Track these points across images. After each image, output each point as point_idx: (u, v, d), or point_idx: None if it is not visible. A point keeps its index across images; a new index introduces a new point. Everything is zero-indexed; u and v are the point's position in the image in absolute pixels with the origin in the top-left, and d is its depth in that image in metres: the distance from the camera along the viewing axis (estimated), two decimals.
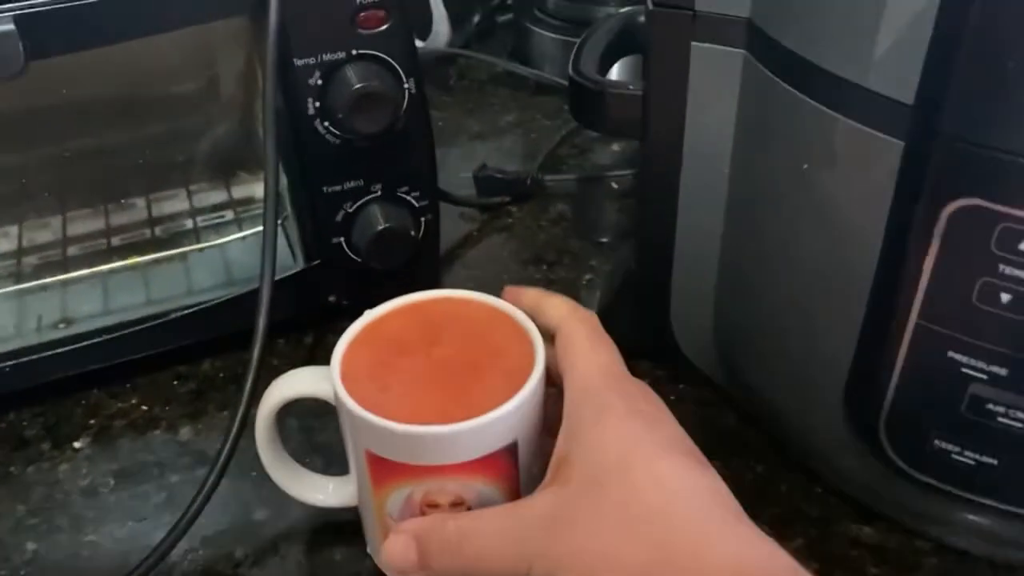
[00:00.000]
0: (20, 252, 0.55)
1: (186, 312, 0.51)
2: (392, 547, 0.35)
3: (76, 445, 0.49)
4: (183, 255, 0.57)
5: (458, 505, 0.36)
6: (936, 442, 0.35)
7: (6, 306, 0.53)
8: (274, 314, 0.44)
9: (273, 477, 0.41)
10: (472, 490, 0.36)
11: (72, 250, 0.56)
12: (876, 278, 0.34)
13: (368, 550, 0.41)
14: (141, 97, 0.54)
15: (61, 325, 0.52)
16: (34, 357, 0.49)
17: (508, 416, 0.34)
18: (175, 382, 0.52)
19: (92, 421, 0.50)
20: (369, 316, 0.39)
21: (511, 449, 0.35)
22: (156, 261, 0.56)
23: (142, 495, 0.46)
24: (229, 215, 0.59)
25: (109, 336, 0.50)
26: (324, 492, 0.41)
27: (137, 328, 0.50)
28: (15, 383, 0.49)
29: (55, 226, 0.56)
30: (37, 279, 0.55)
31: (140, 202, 0.57)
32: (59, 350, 0.49)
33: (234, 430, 0.42)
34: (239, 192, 0.59)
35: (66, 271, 0.55)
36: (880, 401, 0.35)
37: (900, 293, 0.33)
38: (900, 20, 0.30)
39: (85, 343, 0.50)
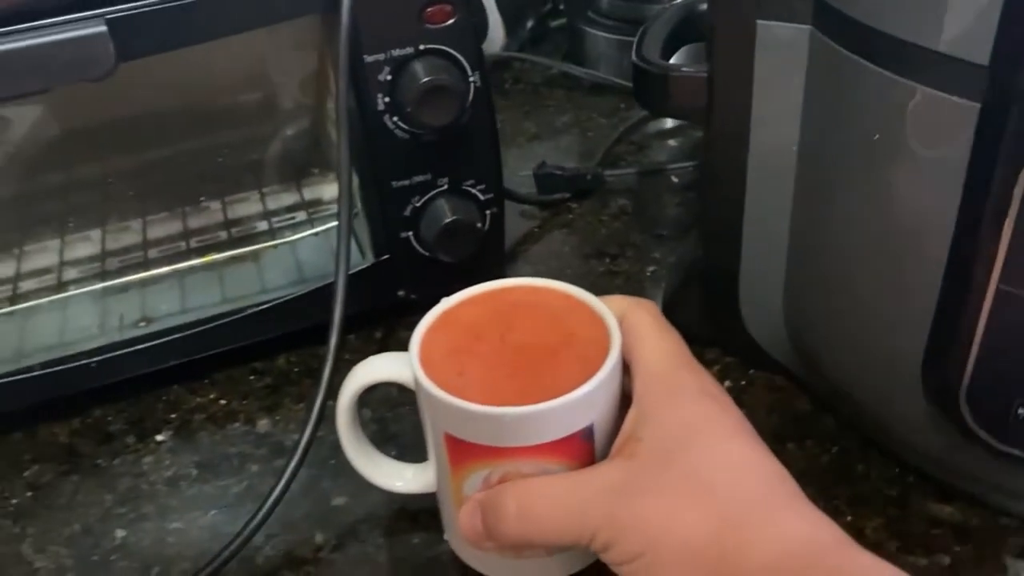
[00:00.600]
0: (103, 255, 0.57)
1: (260, 309, 0.52)
2: (462, 516, 0.37)
3: (159, 438, 0.50)
4: (256, 254, 0.58)
5: None
6: (1020, 411, 0.35)
7: (90, 306, 0.55)
8: (346, 309, 0.45)
9: (354, 463, 0.42)
10: (547, 472, 0.36)
11: (152, 252, 0.58)
12: (953, 245, 0.34)
13: (445, 536, 0.42)
14: (214, 104, 0.56)
15: (141, 323, 0.54)
16: (117, 354, 0.50)
17: (584, 399, 0.34)
18: (251, 377, 0.54)
19: (173, 415, 0.52)
20: (445, 304, 0.40)
21: (587, 432, 0.36)
22: (231, 260, 0.58)
23: (223, 485, 0.47)
24: (301, 215, 0.60)
25: (187, 333, 0.51)
26: (403, 478, 0.42)
27: (213, 325, 0.52)
28: (99, 379, 0.51)
29: (135, 229, 0.58)
30: (119, 279, 0.57)
31: (215, 205, 0.59)
32: (140, 347, 0.51)
33: (313, 418, 0.43)
34: (310, 193, 0.61)
35: (146, 271, 0.57)
36: (960, 372, 0.35)
37: (979, 258, 0.33)
38: None
39: (164, 340, 0.51)
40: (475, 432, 0.35)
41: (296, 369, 0.54)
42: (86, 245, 0.57)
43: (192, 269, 0.57)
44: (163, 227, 0.58)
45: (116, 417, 0.52)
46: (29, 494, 0.47)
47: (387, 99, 0.48)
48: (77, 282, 0.57)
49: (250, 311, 0.52)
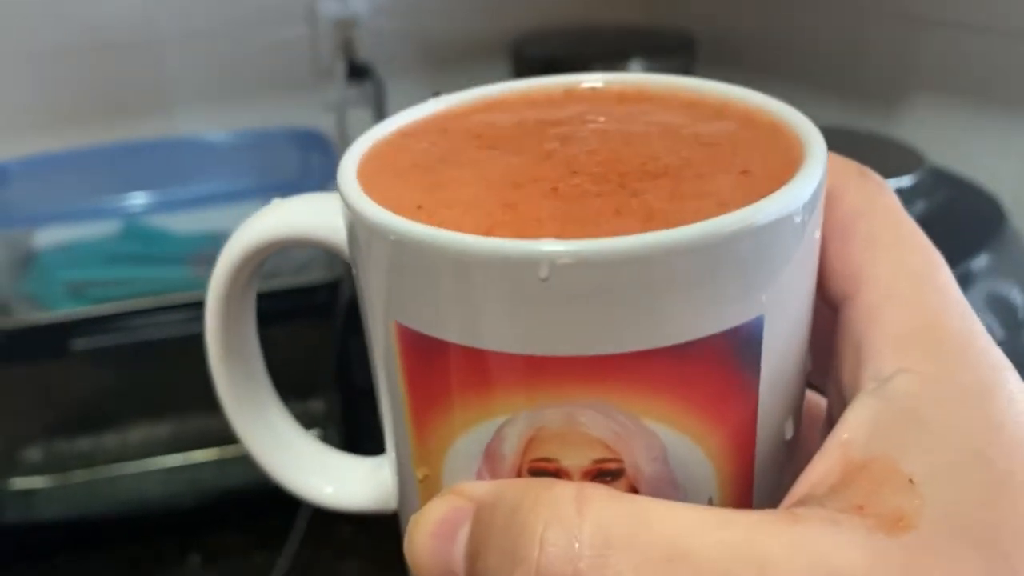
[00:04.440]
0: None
1: None
2: (421, 525, 0.16)
3: None
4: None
5: (610, 474, 0.17)
6: None
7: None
8: None
9: (237, 428, 0.23)
10: (644, 439, 0.17)
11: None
12: None
13: None
14: None
15: None
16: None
17: (750, 239, 0.16)
18: None
19: None
20: (427, 109, 0.22)
21: (749, 338, 0.16)
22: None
23: None
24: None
25: None
26: (336, 477, 0.24)
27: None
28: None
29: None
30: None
31: None
32: None
33: None
34: None
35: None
36: None
37: None
38: None
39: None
40: (473, 315, 0.16)
41: None
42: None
43: None
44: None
45: None
46: None
47: None
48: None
49: None
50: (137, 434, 0.60)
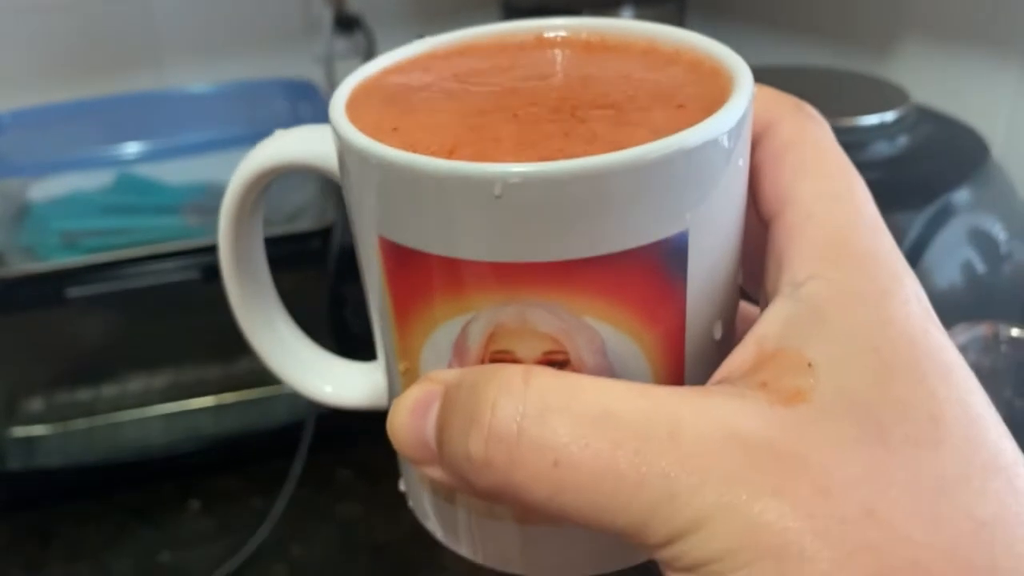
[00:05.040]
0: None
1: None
2: (400, 406, 0.19)
3: None
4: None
5: (558, 362, 0.19)
6: None
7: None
8: None
9: (249, 336, 0.26)
10: (586, 334, 0.19)
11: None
12: None
13: (400, 486, 0.25)
14: None
15: None
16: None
17: (677, 162, 0.18)
18: None
19: None
20: (411, 50, 0.24)
21: (676, 250, 0.19)
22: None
23: None
24: None
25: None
26: (334, 378, 0.27)
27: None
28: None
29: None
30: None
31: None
32: None
33: None
34: None
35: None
36: None
37: None
38: None
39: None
40: (440, 228, 0.18)
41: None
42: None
43: None
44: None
45: None
46: None
47: None
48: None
49: None
50: (135, 382, 0.61)
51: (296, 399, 0.60)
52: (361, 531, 0.54)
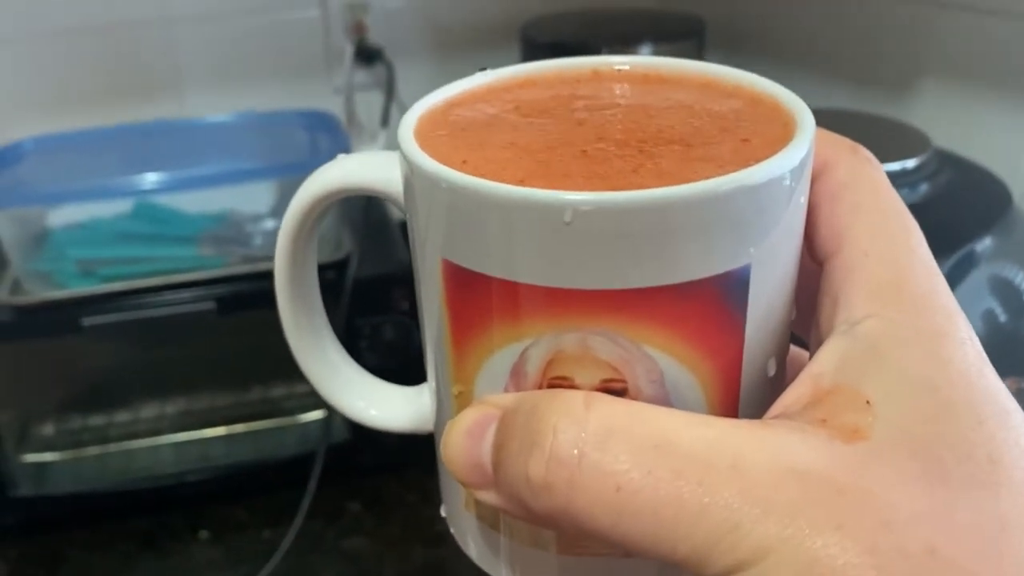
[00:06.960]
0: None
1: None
2: (454, 430, 0.19)
3: None
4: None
5: (615, 390, 0.20)
6: None
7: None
8: None
9: (299, 359, 0.26)
10: (645, 363, 0.19)
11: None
12: None
13: (442, 510, 0.25)
14: None
15: None
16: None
17: (743, 197, 0.18)
18: None
19: None
20: (469, 82, 0.25)
21: (738, 283, 0.19)
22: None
23: None
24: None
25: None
26: (381, 402, 0.27)
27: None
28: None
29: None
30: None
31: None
32: None
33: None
34: None
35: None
36: None
37: None
38: None
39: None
40: (507, 252, 0.19)
41: None
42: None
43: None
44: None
45: None
46: None
47: None
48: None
49: None
50: (147, 411, 0.61)
51: (307, 430, 0.61)
52: (369, 565, 0.53)
